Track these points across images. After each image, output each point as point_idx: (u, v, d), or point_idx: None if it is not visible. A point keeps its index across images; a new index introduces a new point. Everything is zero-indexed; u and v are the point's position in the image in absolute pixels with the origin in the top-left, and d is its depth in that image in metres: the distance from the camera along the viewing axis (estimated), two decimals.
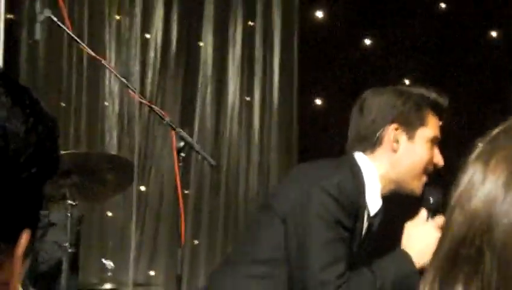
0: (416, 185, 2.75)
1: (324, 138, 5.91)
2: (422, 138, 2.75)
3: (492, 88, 6.37)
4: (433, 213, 2.71)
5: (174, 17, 5.83)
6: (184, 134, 3.46)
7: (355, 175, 2.67)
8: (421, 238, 2.65)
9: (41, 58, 5.75)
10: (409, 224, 2.71)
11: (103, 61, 3.66)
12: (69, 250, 3.50)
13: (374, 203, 2.72)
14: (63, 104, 5.56)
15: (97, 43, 5.51)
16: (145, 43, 5.72)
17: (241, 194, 5.92)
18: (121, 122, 5.57)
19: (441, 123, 2.80)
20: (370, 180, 2.71)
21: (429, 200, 2.71)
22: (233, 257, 2.83)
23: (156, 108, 3.41)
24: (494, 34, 6.58)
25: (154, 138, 5.64)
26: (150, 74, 5.71)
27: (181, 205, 3.48)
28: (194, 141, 3.44)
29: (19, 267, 0.87)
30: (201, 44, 5.92)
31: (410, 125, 2.73)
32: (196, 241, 5.82)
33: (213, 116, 5.91)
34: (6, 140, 0.85)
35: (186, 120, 5.79)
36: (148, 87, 5.68)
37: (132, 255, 5.06)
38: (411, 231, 2.69)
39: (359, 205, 2.65)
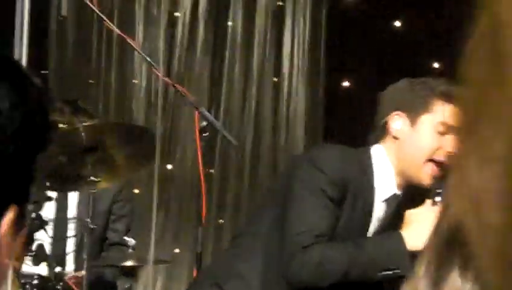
0: (422, 175, 2.65)
1: (350, 121, 5.87)
2: (426, 125, 2.67)
3: None
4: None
5: None
6: (206, 113, 3.46)
7: (354, 157, 2.68)
8: (419, 221, 2.57)
9: (70, 34, 5.76)
10: (410, 211, 2.64)
11: (128, 40, 3.67)
12: (91, 226, 3.52)
13: (385, 188, 2.70)
14: (91, 81, 5.57)
15: (126, 19, 5.52)
16: (172, 21, 5.70)
17: (264, 175, 5.90)
18: (148, 100, 5.58)
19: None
20: (380, 166, 2.69)
21: (436, 192, 2.58)
22: (237, 237, 2.89)
23: (179, 87, 3.42)
24: None
25: (180, 116, 5.64)
26: (177, 53, 5.70)
27: (202, 184, 3.49)
28: (216, 120, 3.44)
29: (6, 245, 0.87)
30: (229, 23, 5.89)
31: (412, 112, 2.67)
32: (221, 221, 5.82)
33: (240, 96, 5.89)
34: None
35: (213, 100, 5.78)
36: (175, 67, 5.67)
37: (153, 232, 5.07)
38: (411, 216, 2.62)
39: (353, 181, 2.63)
